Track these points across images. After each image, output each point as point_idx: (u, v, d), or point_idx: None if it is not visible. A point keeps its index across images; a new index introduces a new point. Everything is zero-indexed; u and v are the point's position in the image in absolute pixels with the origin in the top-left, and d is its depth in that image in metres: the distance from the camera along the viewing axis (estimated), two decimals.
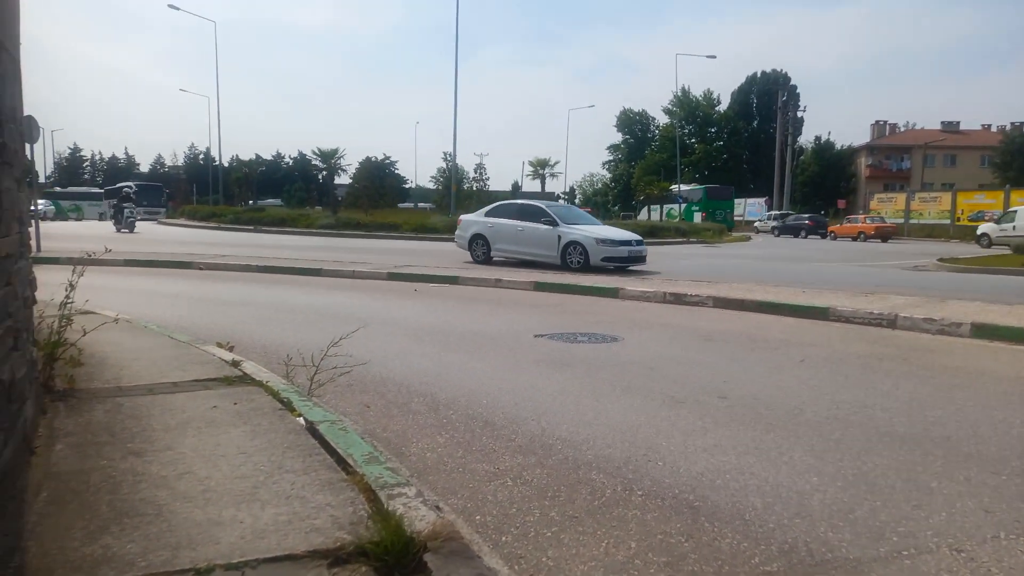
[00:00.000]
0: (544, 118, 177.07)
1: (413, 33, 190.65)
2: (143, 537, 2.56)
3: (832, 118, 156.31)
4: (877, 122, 79.88)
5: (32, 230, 5.59)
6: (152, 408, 4.22)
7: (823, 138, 79.68)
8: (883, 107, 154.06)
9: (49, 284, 4.99)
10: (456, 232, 18.75)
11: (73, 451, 3.45)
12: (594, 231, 16.20)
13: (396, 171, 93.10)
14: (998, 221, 31.16)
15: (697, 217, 50.33)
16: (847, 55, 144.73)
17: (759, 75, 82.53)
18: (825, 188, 71.85)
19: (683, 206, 52.84)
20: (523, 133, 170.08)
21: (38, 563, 2.38)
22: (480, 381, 5.78)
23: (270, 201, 62.72)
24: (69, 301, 4.96)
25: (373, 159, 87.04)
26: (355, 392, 5.29)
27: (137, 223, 33.17)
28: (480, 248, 17.37)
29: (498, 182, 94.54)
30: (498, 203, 18.69)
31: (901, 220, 47.18)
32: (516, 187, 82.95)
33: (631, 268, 15.92)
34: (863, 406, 5.20)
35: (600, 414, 4.91)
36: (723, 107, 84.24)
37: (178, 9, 45.75)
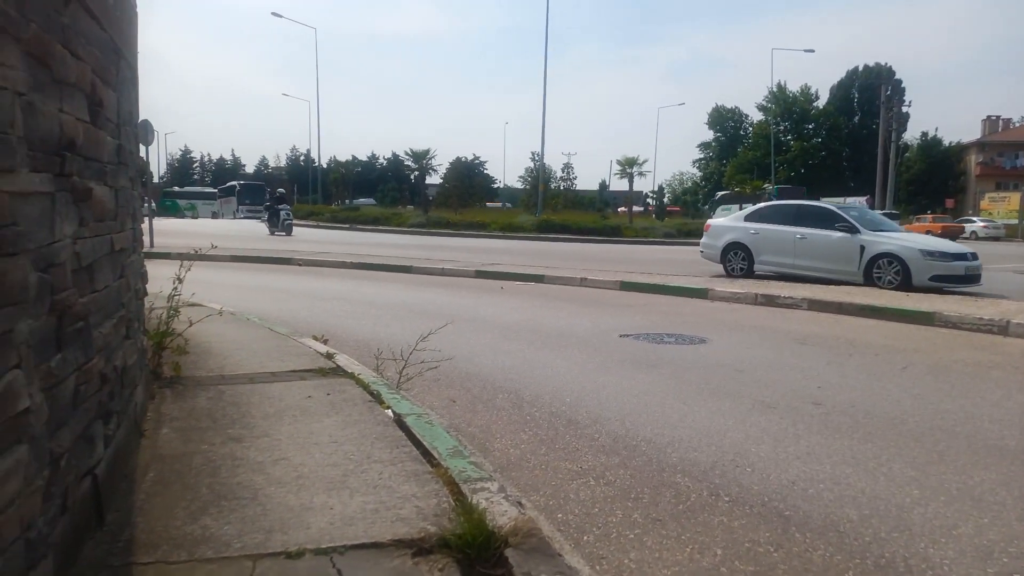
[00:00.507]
0: (633, 116, 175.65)
1: (504, 35, 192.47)
2: (239, 519, 2.69)
3: (940, 113, 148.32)
4: (989, 117, 74.53)
5: (145, 226, 5.96)
6: (251, 396, 4.43)
7: (930, 134, 75.36)
8: (995, 101, 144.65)
9: (159, 278, 5.31)
10: (703, 240, 15.47)
11: (178, 435, 3.66)
12: (915, 241, 12.87)
13: (485, 171, 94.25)
14: None
15: None
16: (955, 47, 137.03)
17: (861, 69, 78.80)
18: (932, 187, 67.92)
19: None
20: (611, 132, 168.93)
21: (145, 538, 2.54)
22: (564, 379, 5.77)
23: (364, 200, 64.72)
24: (177, 293, 5.27)
25: (463, 159, 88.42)
26: (441, 386, 5.39)
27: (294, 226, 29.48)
28: (738, 259, 14.26)
29: (585, 181, 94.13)
30: (764, 204, 15.81)
31: (1015, 221, 44.07)
32: (603, 186, 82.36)
33: (963, 290, 12.13)
34: (970, 417, 4.90)
35: (686, 416, 4.81)
36: (821, 103, 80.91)
37: (281, 17, 47.78)
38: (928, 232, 38.44)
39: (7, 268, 1.73)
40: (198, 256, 5.91)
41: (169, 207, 57.81)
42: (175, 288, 5.25)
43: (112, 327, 2.86)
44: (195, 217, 56.50)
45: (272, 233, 27.97)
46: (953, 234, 38.39)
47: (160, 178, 77.47)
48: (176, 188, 72.79)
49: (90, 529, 2.50)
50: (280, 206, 28.81)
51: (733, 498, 3.48)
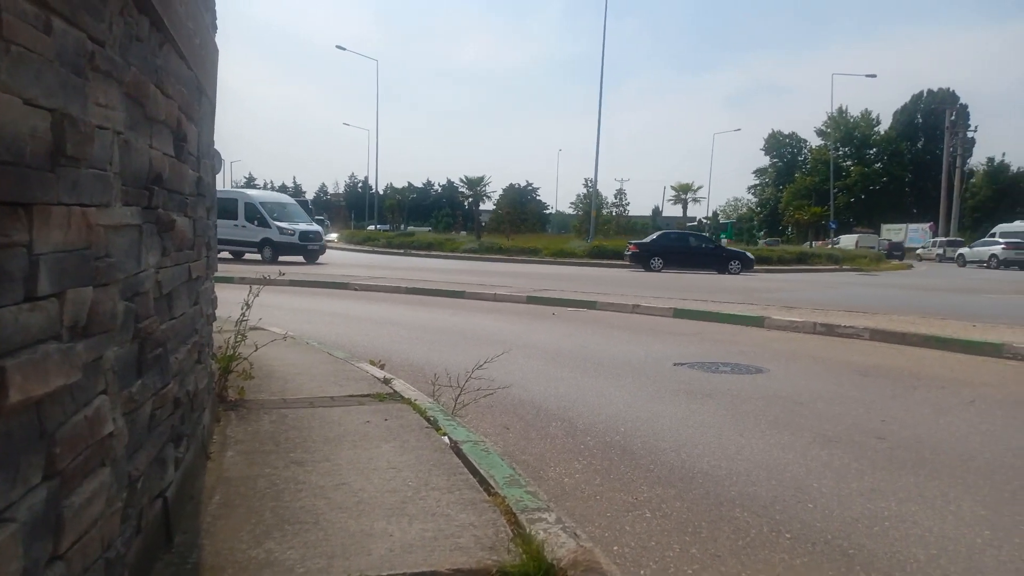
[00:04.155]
0: (687, 143, 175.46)
1: (560, 65, 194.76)
2: (302, 544, 2.75)
3: (1007, 138, 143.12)
4: None
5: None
6: (312, 420, 4.53)
7: (996, 160, 72.98)
8: None
9: (223, 302, 5.49)
10: None
11: (242, 458, 3.77)
12: None
13: (538, 197, 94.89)
14: None
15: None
16: (1021, 70, 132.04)
17: (925, 94, 77.07)
18: (999, 213, 65.50)
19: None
20: (665, 158, 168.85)
21: (212, 561, 2.61)
22: (618, 408, 5.74)
23: (418, 228, 65.83)
24: (244, 319, 5.44)
25: (516, 186, 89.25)
26: (495, 413, 5.41)
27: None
28: None
29: (638, 207, 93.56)
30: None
31: None
32: (657, 212, 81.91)
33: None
34: None
35: (743, 448, 4.73)
36: (883, 127, 79.23)
37: (344, 50, 49.16)
38: None
39: (100, 298, 1.83)
40: (264, 281, 6.09)
41: None
42: (243, 313, 5.42)
43: (186, 352, 2.98)
44: None
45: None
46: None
47: None
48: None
49: (160, 550, 2.59)
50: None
51: (795, 535, 3.40)
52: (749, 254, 29.65)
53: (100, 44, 1.77)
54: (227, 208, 25.74)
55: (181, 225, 2.78)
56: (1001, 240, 41.24)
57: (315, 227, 28.28)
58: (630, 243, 30.04)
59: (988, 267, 39.48)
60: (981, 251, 42.15)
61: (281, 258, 25.19)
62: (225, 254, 26.64)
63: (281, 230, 26.11)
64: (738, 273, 27.11)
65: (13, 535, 1.34)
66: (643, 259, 27.78)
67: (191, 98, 2.93)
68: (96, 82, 1.76)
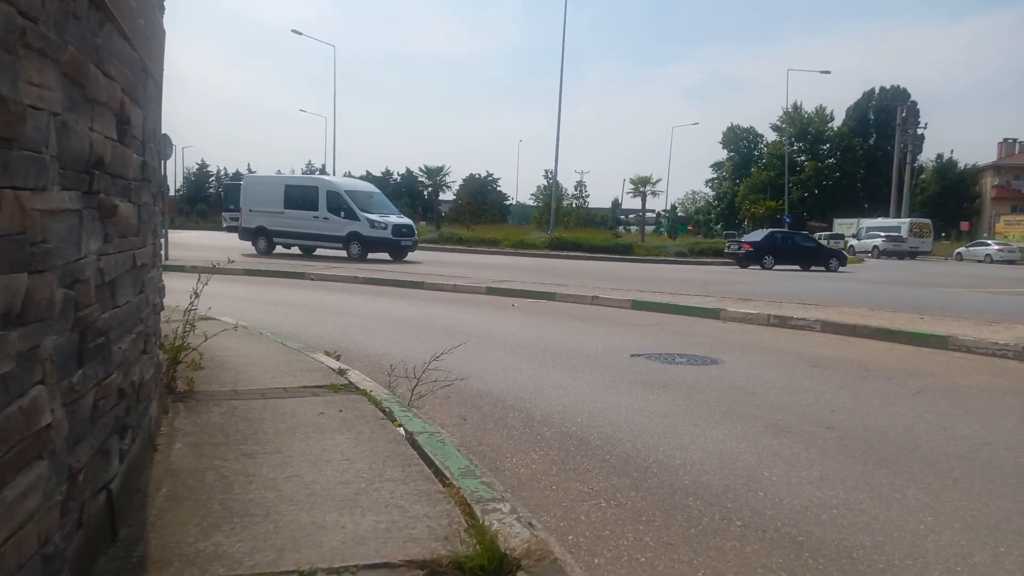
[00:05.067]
0: (647, 136, 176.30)
1: (521, 55, 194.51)
2: (251, 537, 2.70)
3: (955, 136, 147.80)
4: (1005, 140, 74.09)
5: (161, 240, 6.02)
6: (264, 412, 4.45)
7: (945, 156, 75.12)
8: (1012, 124, 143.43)
9: (173, 291, 5.35)
10: None
11: (191, 450, 3.68)
12: None
13: (499, 188, 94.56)
14: None
15: None
16: (972, 69, 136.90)
17: (877, 91, 78.79)
18: (947, 209, 67.58)
19: None
20: (625, 151, 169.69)
21: (158, 554, 2.55)
22: (575, 399, 5.76)
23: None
24: (193, 308, 5.31)
25: (476, 176, 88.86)
26: (452, 404, 5.39)
27: None
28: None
29: (597, 199, 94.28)
30: None
31: None
32: (616, 204, 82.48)
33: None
34: (985, 443, 4.85)
35: (697, 438, 4.80)
36: (836, 123, 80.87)
37: (301, 34, 48.26)
38: None
39: (36, 285, 1.76)
40: (214, 270, 5.95)
41: None
42: (192, 302, 5.30)
43: (131, 342, 2.89)
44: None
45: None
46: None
47: (177, 191, 78.23)
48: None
49: (104, 544, 2.52)
50: None
51: (745, 523, 3.46)
52: (844, 252, 31.83)
53: (32, 20, 1.69)
54: (305, 198, 23.68)
55: (124, 211, 2.69)
56: (882, 233, 48.53)
57: (407, 220, 25.12)
58: (742, 241, 30.30)
59: (872, 256, 46.30)
60: (866, 243, 49.12)
61: (370, 255, 22.63)
62: (282, 248, 24.55)
63: (372, 223, 22.80)
64: (836, 270, 28.19)
65: None
66: (756, 257, 28.29)
67: (136, 80, 2.83)
68: (29, 60, 1.69)
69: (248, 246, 24.90)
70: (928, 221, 50.54)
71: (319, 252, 24.32)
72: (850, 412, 5.62)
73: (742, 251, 28.93)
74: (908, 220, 50.16)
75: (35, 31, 1.71)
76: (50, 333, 1.89)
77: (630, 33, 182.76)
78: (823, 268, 28.19)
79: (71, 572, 2.09)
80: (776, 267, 27.92)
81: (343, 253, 23.09)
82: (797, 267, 28.23)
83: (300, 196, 24.17)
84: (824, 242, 38.18)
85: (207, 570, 2.43)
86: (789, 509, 3.64)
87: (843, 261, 29.71)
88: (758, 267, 27.88)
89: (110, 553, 2.51)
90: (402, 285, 14.99)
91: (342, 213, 23.11)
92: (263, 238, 24.57)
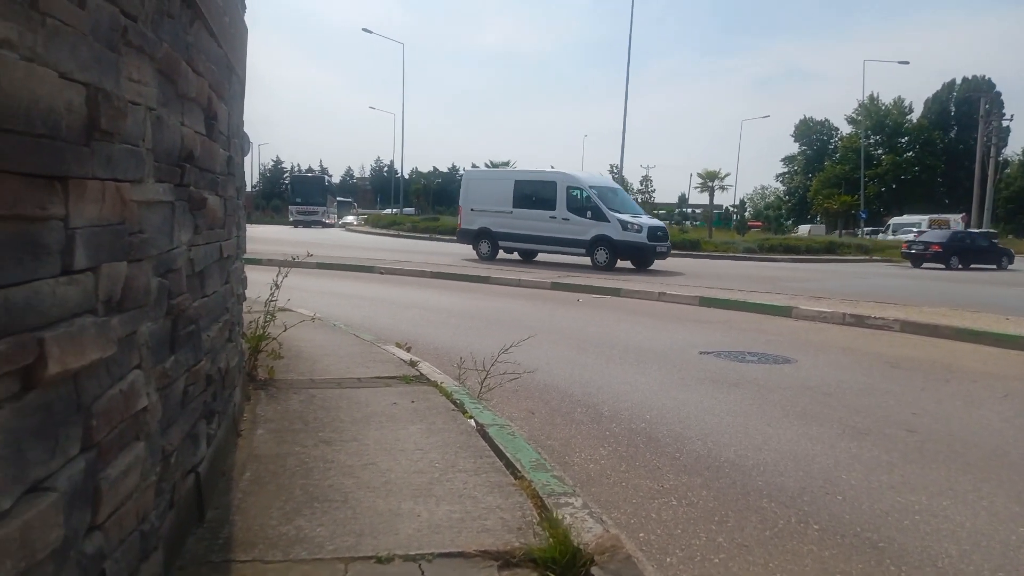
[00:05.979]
0: (715, 129, 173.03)
1: (587, 49, 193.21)
2: (331, 522, 2.77)
3: None
4: None
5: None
6: (340, 400, 4.56)
7: None
8: None
9: (252, 283, 5.53)
10: None
11: (272, 436, 3.80)
12: None
13: None
14: None
15: None
16: None
17: (959, 81, 75.28)
18: None
19: None
20: (692, 145, 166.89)
21: (243, 536, 2.64)
22: (643, 395, 5.70)
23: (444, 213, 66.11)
24: (273, 299, 5.47)
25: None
26: (520, 398, 5.41)
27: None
28: None
29: (664, 194, 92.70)
30: None
31: None
32: (683, 199, 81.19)
33: None
34: None
35: (771, 439, 4.68)
36: (915, 116, 77.60)
37: (371, 33, 48.85)
38: None
39: (134, 273, 1.84)
40: (291, 263, 6.12)
41: None
42: (272, 294, 5.46)
43: (218, 330, 3.00)
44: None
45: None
46: None
47: (253, 187, 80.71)
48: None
49: (192, 525, 2.62)
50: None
51: (823, 526, 3.36)
52: (1012, 250, 31.16)
53: (133, 19, 1.77)
54: (539, 195, 20.06)
55: (212, 204, 2.79)
56: (913, 229, 44.35)
57: (660, 222, 21.63)
58: (931, 243, 29.75)
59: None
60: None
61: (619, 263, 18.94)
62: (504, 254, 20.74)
63: (624, 224, 18.68)
64: (1006, 268, 28.10)
65: (54, 504, 1.35)
66: (944, 257, 28.10)
67: (221, 76, 2.93)
68: (129, 57, 1.76)
69: (469, 250, 21.97)
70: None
71: (541, 257, 21.07)
72: (932, 415, 5.39)
73: (929, 252, 28.45)
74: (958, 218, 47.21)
75: (135, 29, 1.79)
76: (146, 320, 1.98)
77: (696, 24, 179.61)
78: (996, 267, 28.10)
79: (165, 550, 2.18)
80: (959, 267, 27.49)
81: (584, 260, 19.51)
82: (978, 265, 27.84)
83: (532, 193, 20.47)
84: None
85: (289, 553, 2.51)
86: (869, 514, 3.52)
87: (1012, 259, 29.33)
88: (943, 267, 27.37)
89: (198, 534, 2.62)
90: (468, 279, 15.11)
91: (588, 213, 19.22)
92: (486, 241, 21.12)
